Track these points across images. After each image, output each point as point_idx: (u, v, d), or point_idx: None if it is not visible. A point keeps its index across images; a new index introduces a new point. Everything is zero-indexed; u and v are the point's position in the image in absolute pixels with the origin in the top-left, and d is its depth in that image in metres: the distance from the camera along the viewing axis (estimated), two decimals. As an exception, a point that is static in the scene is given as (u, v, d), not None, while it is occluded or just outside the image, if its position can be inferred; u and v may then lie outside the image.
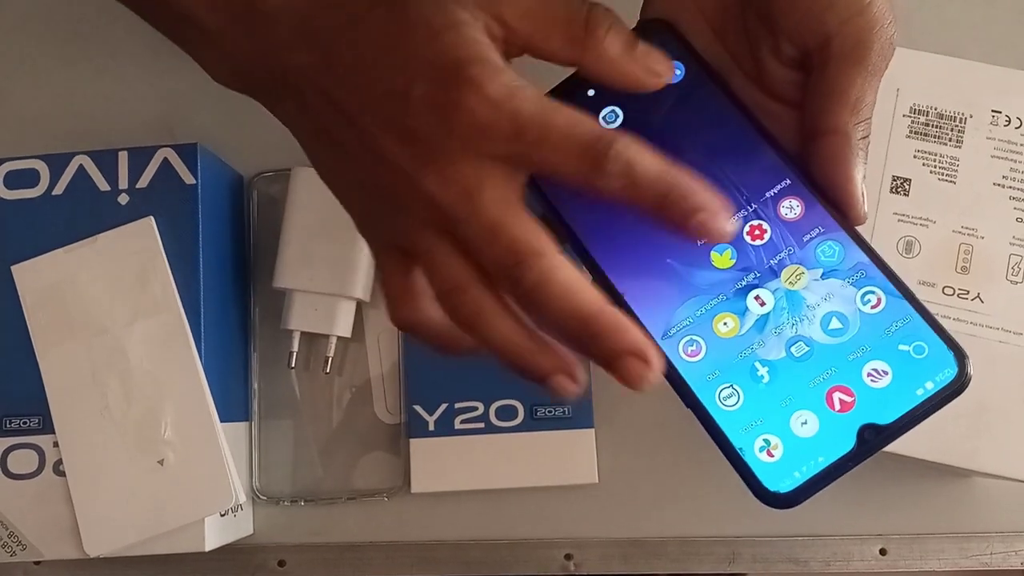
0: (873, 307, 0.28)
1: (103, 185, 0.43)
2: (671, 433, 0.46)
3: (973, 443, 0.40)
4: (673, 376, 0.28)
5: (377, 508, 0.46)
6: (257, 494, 0.46)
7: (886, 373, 0.27)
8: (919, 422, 0.27)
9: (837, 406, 0.27)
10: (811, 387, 0.28)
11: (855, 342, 0.28)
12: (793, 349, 0.28)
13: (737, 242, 0.29)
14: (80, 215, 0.43)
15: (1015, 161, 0.41)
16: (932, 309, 0.40)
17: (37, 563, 0.47)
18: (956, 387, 0.27)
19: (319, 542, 0.46)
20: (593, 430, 0.45)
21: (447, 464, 0.45)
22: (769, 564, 0.45)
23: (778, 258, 0.29)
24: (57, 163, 0.44)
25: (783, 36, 0.30)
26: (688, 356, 0.28)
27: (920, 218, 0.41)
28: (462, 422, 0.45)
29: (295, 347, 0.46)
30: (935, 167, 0.42)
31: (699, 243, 0.29)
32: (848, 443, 0.27)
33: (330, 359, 0.46)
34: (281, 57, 0.27)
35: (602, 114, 0.31)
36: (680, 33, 0.31)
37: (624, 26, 0.28)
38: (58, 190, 0.44)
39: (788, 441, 0.27)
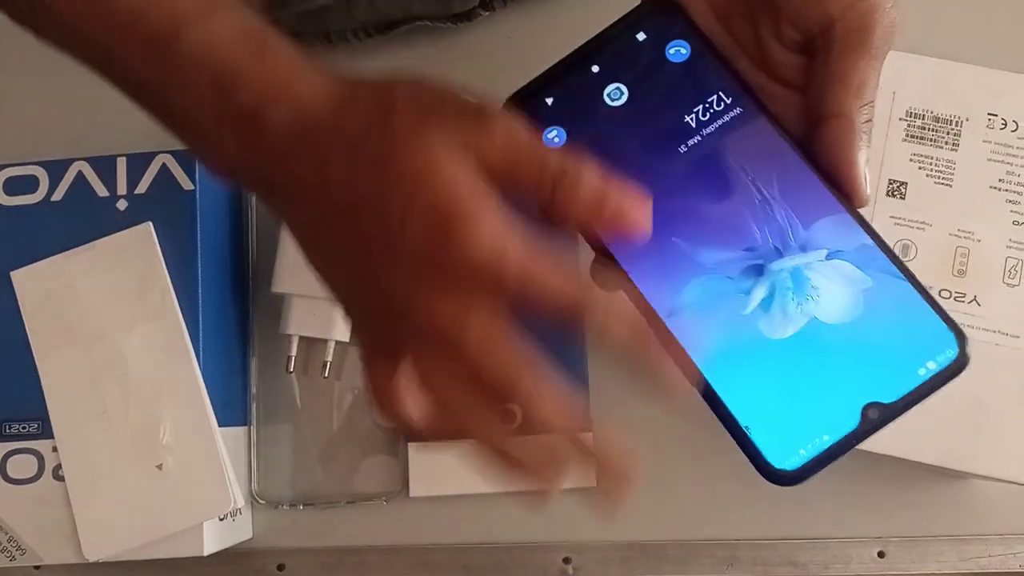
0: (876, 288, 0.28)
1: (102, 191, 0.44)
2: (669, 436, 0.46)
3: (971, 446, 0.40)
4: (679, 355, 0.28)
5: (376, 512, 0.46)
6: (256, 498, 0.46)
7: (889, 352, 0.28)
8: (921, 401, 0.27)
9: (841, 385, 0.27)
10: (816, 366, 0.28)
11: (859, 322, 0.28)
12: (798, 328, 0.28)
13: (743, 222, 0.29)
14: (79, 221, 0.43)
15: (1011, 164, 0.41)
16: (929, 312, 0.41)
17: (37, 567, 0.47)
18: (956, 367, 0.27)
19: (318, 546, 0.46)
20: (590, 434, 0.45)
21: (445, 468, 0.45)
22: (768, 567, 0.45)
23: (783, 239, 0.29)
24: (56, 169, 0.44)
25: (786, 20, 0.30)
26: (693, 335, 0.29)
27: (916, 221, 0.41)
28: (460, 426, 0.45)
29: (294, 351, 0.46)
30: (931, 170, 0.42)
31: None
32: (852, 421, 0.27)
33: (329, 363, 0.47)
34: (279, 166, 0.27)
35: (606, 90, 0.31)
36: (685, 12, 0.31)
37: (593, 176, 0.27)
38: (57, 196, 0.44)
39: (793, 419, 0.27)
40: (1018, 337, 0.40)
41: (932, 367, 0.27)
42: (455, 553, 0.46)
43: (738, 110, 0.30)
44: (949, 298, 0.41)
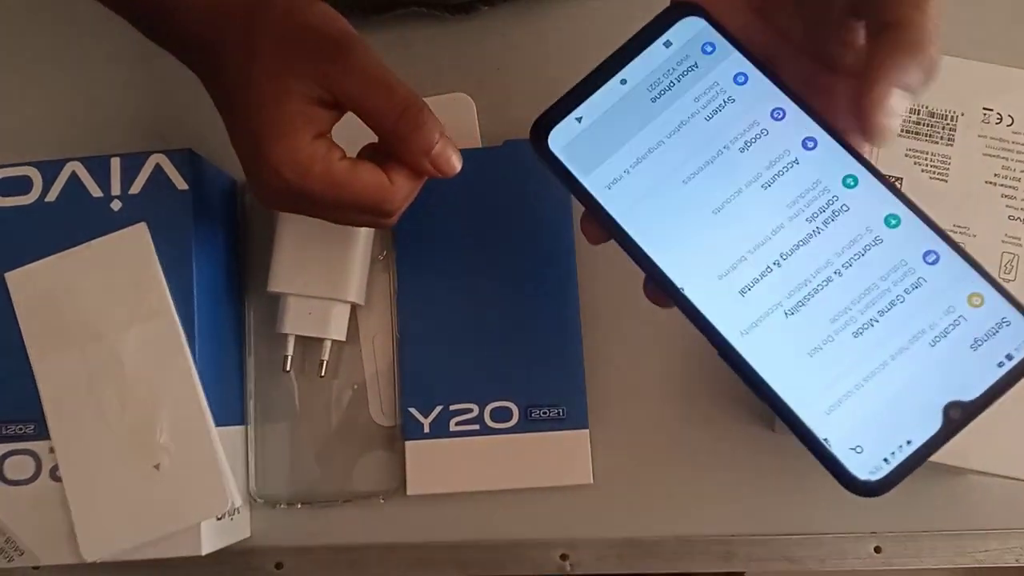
0: (948, 282, 0.28)
1: (96, 191, 0.44)
2: (665, 433, 0.46)
3: (966, 441, 0.40)
4: (747, 373, 0.28)
5: (374, 510, 0.46)
6: (254, 497, 0.46)
7: (964, 347, 0.27)
8: (1002, 394, 0.27)
9: (920, 385, 0.27)
10: (892, 367, 0.27)
11: (931, 319, 0.27)
12: (869, 332, 0.28)
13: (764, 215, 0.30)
14: (73, 222, 0.43)
15: (1007, 159, 0.41)
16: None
17: (35, 568, 0.46)
18: None
19: (316, 544, 0.47)
20: (588, 431, 0.45)
21: (443, 466, 0.45)
22: (764, 563, 0.45)
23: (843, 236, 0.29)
24: (49, 170, 0.44)
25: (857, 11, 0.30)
26: (756, 344, 0.28)
27: (912, 217, 0.41)
28: (457, 424, 0.45)
29: (290, 351, 0.46)
30: (927, 165, 0.42)
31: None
32: (935, 423, 0.26)
33: (325, 362, 0.47)
34: (191, 41, 0.36)
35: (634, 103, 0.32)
36: (709, 14, 0.32)
37: (431, 116, 0.35)
38: (51, 197, 0.44)
39: (874, 427, 0.27)
40: (1013, 332, 0.40)
41: (1011, 358, 0.27)
42: (452, 551, 0.46)
43: (770, 103, 0.31)
44: (944, 294, 0.41)
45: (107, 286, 0.43)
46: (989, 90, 0.42)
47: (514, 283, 0.46)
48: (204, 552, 0.42)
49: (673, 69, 0.32)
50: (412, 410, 0.45)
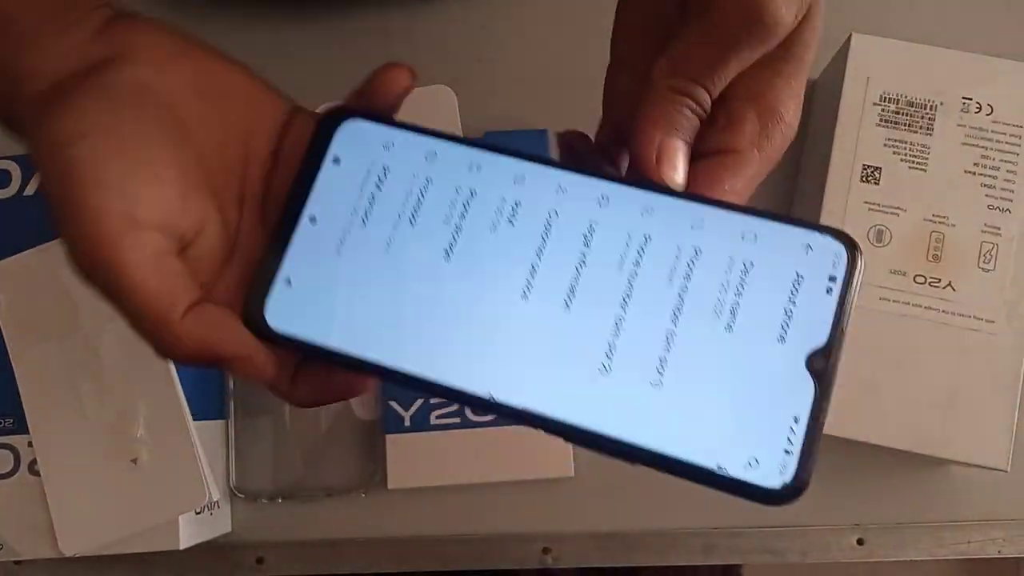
0: (718, 238, 0.25)
1: (74, 185, 0.43)
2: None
3: (945, 431, 0.40)
4: (615, 446, 0.24)
5: (355, 504, 0.46)
6: (235, 492, 0.46)
7: (787, 291, 0.24)
8: (848, 320, 0.24)
9: (772, 357, 0.24)
10: (726, 360, 0.24)
11: (728, 283, 0.25)
12: (684, 334, 0.25)
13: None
14: (51, 215, 0.43)
15: (986, 148, 0.41)
16: (903, 298, 0.41)
17: (18, 563, 0.47)
18: (856, 265, 0.24)
19: (297, 539, 0.46)
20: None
21: (423, 459, 0.45)
22: (745, 555, 0.45)
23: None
24: (29, 163, 0.44)
25: None
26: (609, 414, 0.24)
27: (891, 207, 0.41)
28: (438, 417, 0.45)
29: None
30: (906, 155, 0.41)
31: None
32: (808, 386, 0.24)
33: (306, 356, 0.47)
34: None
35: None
36: (361, 110, 0.28)
37: None
38: (30, 190, 0.44)
39: (754, 425, 0.24)
40: (993, 322, 0.40)
41: (836, 281, 0.24)
42: (434, 544, 0.46)
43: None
44: (924, 283, 0.41)
45: (85, 280, 0.43)
46: (968, 79, 0.42)
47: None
48: (182, 546, 0.41)
49: (363, 182, 0.27)
50: (392, 403, 0.45)
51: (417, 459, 0.45)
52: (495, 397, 0.25)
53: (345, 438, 0.47)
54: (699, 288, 0.25)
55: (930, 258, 0.41)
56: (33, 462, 0.42)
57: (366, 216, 0.27)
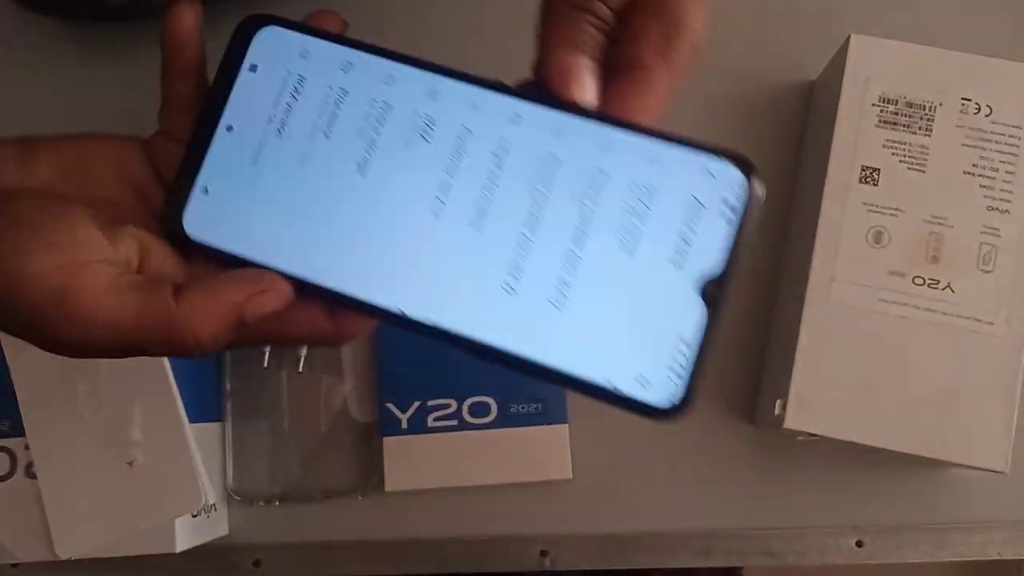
0: (621, 164, 0.25)
1: (70, 187, 0.43)
2: (644, 428, 0.45)
3: (944, 433, 0.40)
4: (510, 358, 0.25)
5: (352, 507, 0.46)
6: (231, 494, 0.46)
7: (687, 222, 0.25)
8: (746, 248, 0.24)
9: (665, 279, 0.25)
10: (622, 279, 0.25)
11: (628, 205, 0.25)
12: (589, 250, 0.25)
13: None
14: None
15: (985, 149, 0.41)
16: (902, 300, 0.41)
17: (14, 565, 0.47)
18: (755, 192, 0.24)
19: (294, 541, 0.46)
20: (567, 425, 0.45)
21: (421, 462, 0.45)
22: (744, 557, 0.45)
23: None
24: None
25: None
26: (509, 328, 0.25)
27: (890, 208, 0.41)
28: (435, 419, 0.45)
29: (268, 346, 0.46)
30: (904, 156, 0.41)
31: None
32: (698, 311, 0.24)
33: (303, 358, 0.46)
34: None
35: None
36: (280, 18, 0.28)
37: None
38: (26, 192, 0.44)
39: (640, 346, 0.25)
40: (992, 324, 0.40)
41: (735, 208, 0.24)
42: (431, 547, 0.46)
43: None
44: (923, 285, 0.41)
45: (81, 282, 0.42)
46: (967, 80, 0.41)
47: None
48: (178, 549, 0.41)
49: (279, 91, 0.27)
50: (390, 405, 0.45)
51: (414, 461, 0.45)
52: (406, 313, 0.26)
53: (342, 440, 0.47)
54: (603, 212, 0.25)
55: (929, 259, 0.41)
56: (30, 465, 0.42)
57: (282, 126, 0.27)
